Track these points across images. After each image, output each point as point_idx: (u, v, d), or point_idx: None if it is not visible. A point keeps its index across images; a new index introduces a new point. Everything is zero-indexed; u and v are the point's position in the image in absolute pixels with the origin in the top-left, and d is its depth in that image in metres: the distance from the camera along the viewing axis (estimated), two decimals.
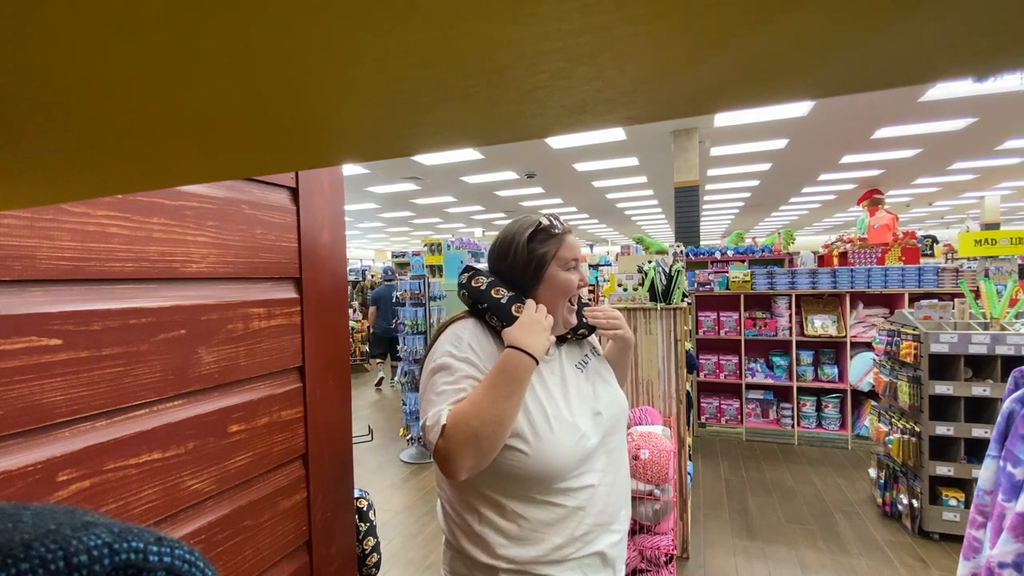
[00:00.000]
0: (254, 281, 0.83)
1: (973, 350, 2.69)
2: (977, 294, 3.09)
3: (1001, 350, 2.64)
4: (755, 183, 10.60)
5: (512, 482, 0.90)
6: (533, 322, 0.91)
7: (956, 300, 3.12)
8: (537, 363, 0.89)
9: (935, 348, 2.75)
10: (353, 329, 8.62)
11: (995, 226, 11.87)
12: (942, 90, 5.68)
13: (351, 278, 10.31)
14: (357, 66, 0.17)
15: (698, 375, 4.67)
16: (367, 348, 8.86)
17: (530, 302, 0.97)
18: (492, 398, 0.84)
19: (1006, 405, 1.41)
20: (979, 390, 2.67)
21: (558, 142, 7.25)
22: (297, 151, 0.27)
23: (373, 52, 0.16)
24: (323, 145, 0.27)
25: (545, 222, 1.02)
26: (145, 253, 0.66)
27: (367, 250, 23.94)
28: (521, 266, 1.00)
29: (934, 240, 7.74)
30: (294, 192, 0.91)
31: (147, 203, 0.66)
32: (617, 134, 7.08)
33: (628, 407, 1.09)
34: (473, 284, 1.00)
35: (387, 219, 15.08)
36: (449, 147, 0.27)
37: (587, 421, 0.95)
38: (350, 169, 8.45)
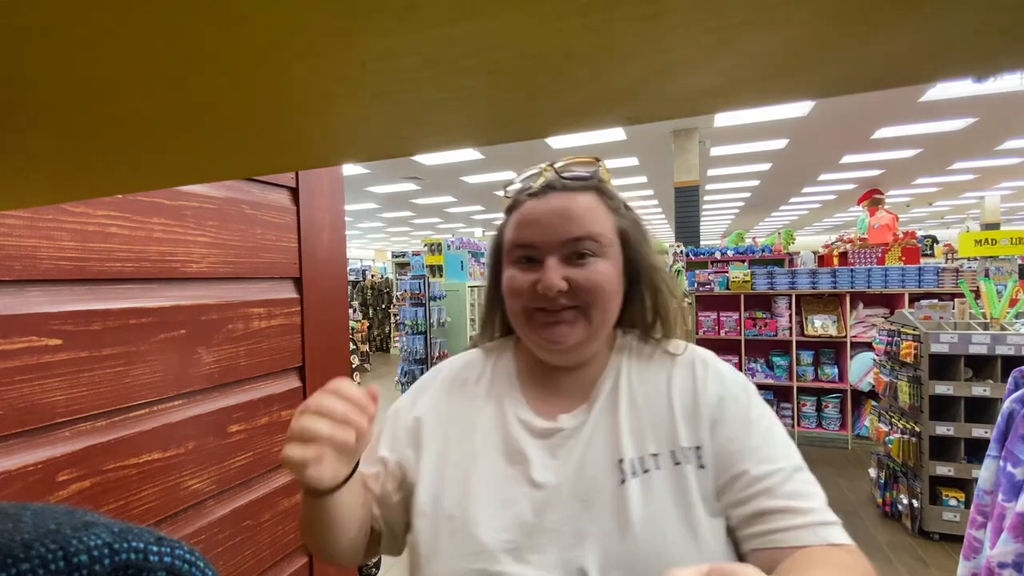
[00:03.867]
0: (254, 281, 0.83)
1: (973, 350, 2.68)
2: (977, 294, 3.09)
3: (1001, 350, 2.64)
4: (755, 183, 10.59)
5: None
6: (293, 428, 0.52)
7: (956, 300, 3.12)
8: (318, 493, 0.53)
9: (935, 348, 2.74)
10: (353, 329, 8.62)
11: (995, 226, 11.87)
12: (942, 90, 5.67)
13: (351, 278, 10.30)
14: (357, 67, 0.17)
15: None
16: (367, 348, 8.88)
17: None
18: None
19: (1006, 405, 1.41)
20: (979, 390, 2.67)
21: (558, 142, 7.25)
22: (297, 151, 0.27)
23: (374, 53, 0.16)
24: (323, 145, 0.27)
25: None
26: (145, 253, 0.66)
27: (367, 250, 23.94)
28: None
29: (934, 240, 7.74)
30: (294, 192, 0.90)
31: (147, 203, 0.66)
32: (617, 134, 7.08)
33: None
34: None
35: (387, 219, 15.08)
36: (449, 147, 0.27)
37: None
38: (350, 169, 8.45)
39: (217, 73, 0.18)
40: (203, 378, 0.73)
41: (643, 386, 0.61)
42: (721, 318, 4.57)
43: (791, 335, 4.34)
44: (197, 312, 0.72)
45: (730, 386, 0.60)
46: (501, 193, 0.67)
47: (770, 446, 0.56)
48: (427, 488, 0.60)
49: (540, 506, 0.55)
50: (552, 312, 0.59)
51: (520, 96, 0.20)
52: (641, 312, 0.65)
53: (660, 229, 18.82)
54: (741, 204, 13.47)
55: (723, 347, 4.71)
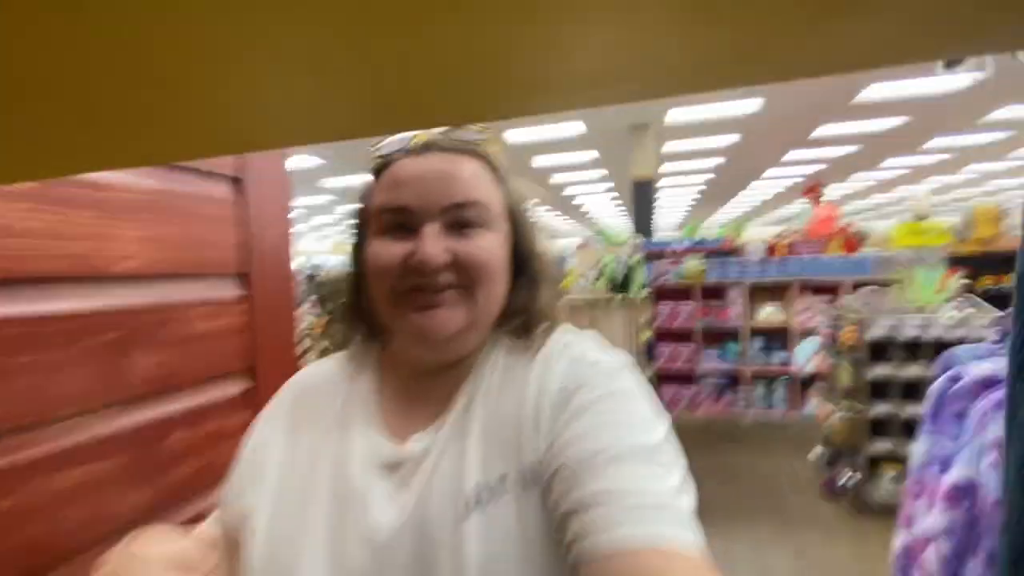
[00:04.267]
0: (194, 279, 0.77)
1: (908, 334, 2.88)
2: (910, 283, 3.31)
3: (932, 333, 2.85)
4: (711, 176, 10.95)
5: None
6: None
7: (891, 288, 3.33)
8: None
9: (873, 333, 2.92)
10: (311, 325, 8.34)
11: (925, 219, 12.75)
12: (875, 91, 6.02)
13: (307, 273, 9.97)
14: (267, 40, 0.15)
15: (655, 363, 4.80)
16: (327, 344, 8.63)
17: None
18: None
19: (936, 384, 1.51)
20: (913, 371, 2.86)
21: (516, 136, 7.23)
22: (223, 132, 0.25)
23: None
24: (258, 126, 0.24)
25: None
26: (68, 249, 0.60)
27: (324, 243, 23.24)
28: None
29: (870, 232, 8.22)
30: (238, 183, 0.85)
31: (69, 194, 0.60)
32: (578, 127, 7.13)
33: None
34: None
35: (346, 212, 14.67)
36: (355, 136, 0.25)
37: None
38: (304, 161, 8.15)
39: (113, 46, 0.15)
40: (138, 386, 0.67)
41: (500, 394, 0.49)
42: (677, 308, 4.72)
43: (743, 323, 4.53)
44: (130, 314, 0.67)
45: (579, 371, 0.48)
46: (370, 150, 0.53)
47: (603, 427, 0.43)
48: (261, 538, 0.47)
49: (379, 565, 0.44)
50: (430, 293, 0.48)
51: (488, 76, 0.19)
52: (522, 305, 0.54)
53: (621, 221, 19.22)
54: (698, 197, 13.91)
55: (679, 336, 4.86)
